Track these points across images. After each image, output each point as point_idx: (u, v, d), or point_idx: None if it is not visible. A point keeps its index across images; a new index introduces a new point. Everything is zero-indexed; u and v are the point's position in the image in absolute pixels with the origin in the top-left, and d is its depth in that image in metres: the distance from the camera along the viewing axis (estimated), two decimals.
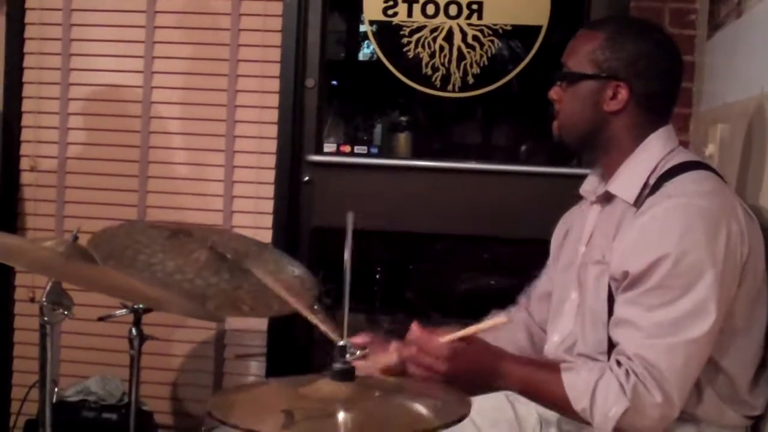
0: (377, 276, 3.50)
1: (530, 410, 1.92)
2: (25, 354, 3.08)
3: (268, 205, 3.07)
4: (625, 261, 1.67)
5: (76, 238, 1.53)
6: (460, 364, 1.64)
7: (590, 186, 1.93)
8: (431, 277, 3.60)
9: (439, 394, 1.53)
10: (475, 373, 1.67)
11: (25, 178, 3.16)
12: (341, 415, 1.35)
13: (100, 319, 2.48)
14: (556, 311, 1.92)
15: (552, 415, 1.83)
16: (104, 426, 2.73)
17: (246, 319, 3.04)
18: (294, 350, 2.97)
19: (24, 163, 3.16)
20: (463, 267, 3.52)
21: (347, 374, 1.41)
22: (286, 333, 2.99)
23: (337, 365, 1.40)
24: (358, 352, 1.47)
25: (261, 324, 3.04)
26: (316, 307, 2.85)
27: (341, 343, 1.42)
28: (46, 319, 1.49)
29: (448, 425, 1.37)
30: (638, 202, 1.74)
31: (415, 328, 1.68)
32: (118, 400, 2.83)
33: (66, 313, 1.48)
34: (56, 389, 2.86)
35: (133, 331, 2.38)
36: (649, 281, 1.63)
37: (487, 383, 1.69)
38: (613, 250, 1.72)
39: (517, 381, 1.68)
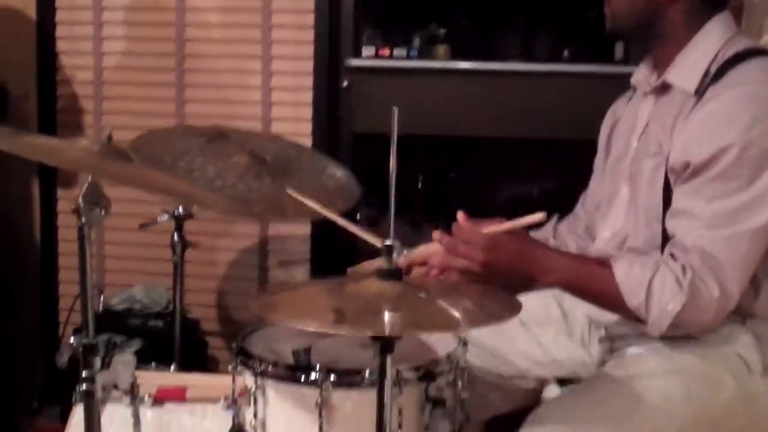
0: (419, 185, 3.46)
1: (578, 310, 1.88)
2: (70, 265, 3.10)
3: (307, 112, 3.02)
4: (686, 151, 1.61)
5: (110, 137, 1.50)
6: (501, 256, 1.61)
7: (642, 76, 1.85)
8: (473, 185, 3.55)
9: (488, 296, 1.50)
10: (518, 266, 1.63)
11: (62, 89, 3.13)
12: (387, 315, 1.33)
13: (142, 226, 2.49)
14: (606, 207, 1.87)
15: (601, 315, 1.79)
16: (150, 333, 2.75)
17: (289, 226, 3.04)
18: (338, 256, 2.95)
19: (60, 75, 3.13)
20: (506, 172, 3.46)
21: (393, 274, 1.38)
22: (329, 239, 2.97)
23: (383, 265, 1.38)
24: (405, 252, 1.43)
25: (304, 230, 3.02)
26: (358, 213, 2.87)
27: (387, 242, 1.39)
28: (84, 220, 1.46)
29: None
30: (699, 91, 1.67)
31: (460, 218, 1.64)
32: (163, 308, 2.85)
33: (104, 213, 1.45)
34: (101, 298, 2.93)
35: (175, 237, 2.38)
36: (711, 171, 1.57)
37: (530, 278, 1.64)
38: (672, 141, 1.66)
39: (564, 275, 1.64)
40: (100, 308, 2.88)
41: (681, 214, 1.62)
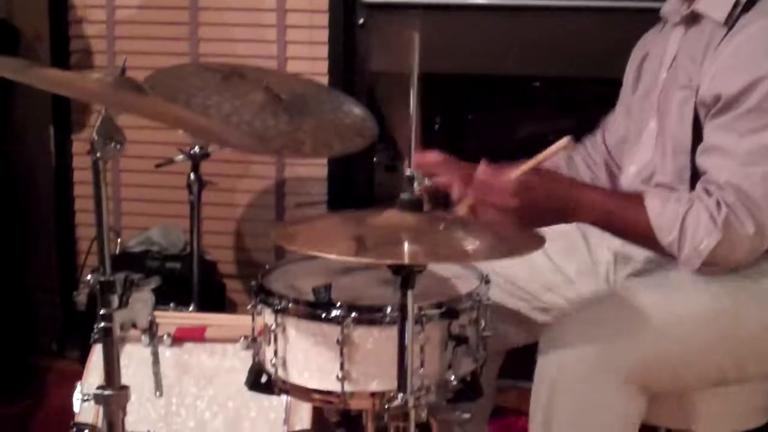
0: (436, 126, 3.41)
1: (604, 244, 1.85)
2: (87, 207, 3.08)
3: (323, 51, 2.96)
4: (717, 83, 1.56)
5: (123, 70, 1.45)
6: (533, 198, 1.56)
7: (672, 7, 1.79)
8: (492, 126, 3.49)
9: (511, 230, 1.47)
10: (549, 205, 1.59)
11: (74, 29, 3.08)
12: (406, 244, 1.30)
13: (158, 166, 2.45)
14: (633, 141, 1.82)
15: (628, 250, 1.76)
16: (168, 275, 2.73)
17: (306, 167, 3.00)
18: (354, 197, 2.92)
19: (72, 15, 3.07)
20: (526, 113, 3.40)
21: (414, 204, 1.34)
22: (346, 180, 2.93)
23: (404, 195, 1.34)
24: (426, 181, 1.40)
25: (321, 171, 2.98)
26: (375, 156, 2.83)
27: (408, 173, 1.35)
28: (98, 154, 1.42)
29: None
30: (729, 20, 1.61)
31: (482, 167, 1.59)
32: (180, 249, 2.83)
33: (118, 147, 1.41)
34: (119, 241, 2.92)
35: (192, 176, 2.35)
36: (744, 104, 1.52)
37: (562, 215, 1.61)
38: (702, 73, 1.60)
39: (596, 212, 1.59)
40: (117, 251, 2.86)
41: (713, 151, 1.57)
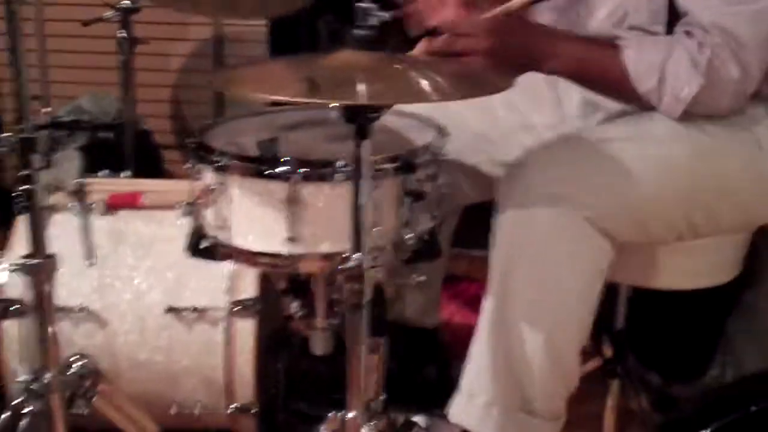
0: None
1: (572, 93, 1.73)
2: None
3: None
4: None
5: None
6: (506, 41, 1.45)
7: None
8: None
9: (477, 70, 1.34)
10: (522, 51, 1.48)
11: None
12: (362, 86, 1.17)
13: (86, 23, 2.29)
14: None
15: (598, 98, 1.65)
16: (100, 145, 2.57)
17: (246, 28, 2.82)
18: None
19: None
20: None
21: (369, 40, 1.20)
22: (288, 41, 2.76)
23: (358, 30, 1.20)
24: (386, 15, 1.25)
25: (260, 32, 2.80)
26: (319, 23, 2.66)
27: (363, 4, 1.20)
28: None
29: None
30: None
31: (455, 3, 1.47)
32: (113, 118, 2.65)
33: None
34: (47, 110, 2.73)
35: (122, 33, 2.18)
36: None
37: (534, 62, 1.50)
38: None
39: (570, 60, 1.49)
40: (45, 121, 2.68)
41: None
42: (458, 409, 1.58)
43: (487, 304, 1.54)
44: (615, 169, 1.49)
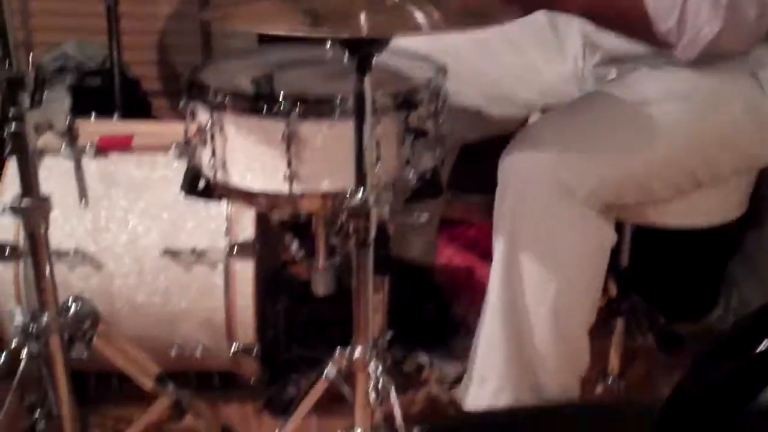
0: None
1: (572, 32, 1.70)
2: None
3: None
4: None
5: None
6: None
7: None
8: None
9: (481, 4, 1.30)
10: None
11: None
12: (363, 17, 1.14)
13: None
14: None
15: (597, 37, 1.61)
16: (88, 94, 2.50)
17: None
18: None
19: None
20: None
21: None
22: None
23: None
24: None
25: None
26: None
27: None
28: None
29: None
30: None
31: None
32: (99, 64, 2.59)
33: None
34: (30, 58, 2.66)
35: None
36: None
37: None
38: None
39: None
40: (30, 69, 2.61)
41: None
42: (472, 396, 1.59)
43: (492, 289, 1.54)
44: (613, 142, 1.48)
